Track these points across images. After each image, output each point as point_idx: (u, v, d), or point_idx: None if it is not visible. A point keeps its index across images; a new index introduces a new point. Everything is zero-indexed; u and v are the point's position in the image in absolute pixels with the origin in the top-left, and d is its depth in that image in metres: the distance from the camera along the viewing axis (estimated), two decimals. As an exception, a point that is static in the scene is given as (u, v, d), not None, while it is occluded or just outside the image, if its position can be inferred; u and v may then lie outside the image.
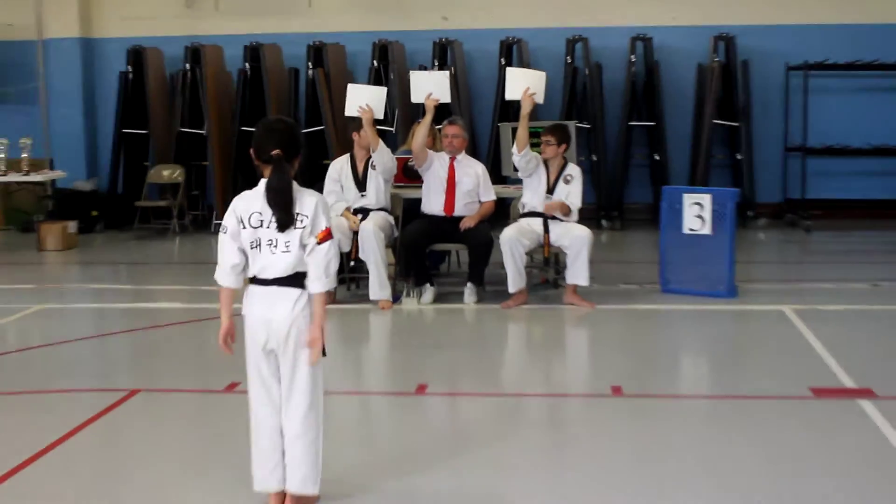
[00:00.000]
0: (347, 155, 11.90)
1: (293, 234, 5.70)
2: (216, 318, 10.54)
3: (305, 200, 5.74)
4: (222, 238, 5.83)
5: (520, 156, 11.33)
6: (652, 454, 6.97)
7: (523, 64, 17.85)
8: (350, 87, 12.00)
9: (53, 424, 7.47)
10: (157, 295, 12.57)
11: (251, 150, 5.85)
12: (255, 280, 5.82)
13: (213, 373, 8.94)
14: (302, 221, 5.70)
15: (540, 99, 11.50)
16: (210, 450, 7.04)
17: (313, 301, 5.81)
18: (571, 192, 11.42)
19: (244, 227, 5.76)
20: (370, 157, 11.64)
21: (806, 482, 6.35)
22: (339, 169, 11.82)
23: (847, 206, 18.72)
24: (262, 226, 5.72)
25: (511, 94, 11.58)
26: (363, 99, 11.63)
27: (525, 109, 11.31)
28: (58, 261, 15.47)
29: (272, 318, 5.76)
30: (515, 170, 11.67)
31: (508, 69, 12.05)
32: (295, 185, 5.76)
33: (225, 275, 5.86)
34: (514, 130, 11.61)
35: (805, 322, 10.48)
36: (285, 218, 5.68)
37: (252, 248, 5.76)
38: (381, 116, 11.86)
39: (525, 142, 11.30)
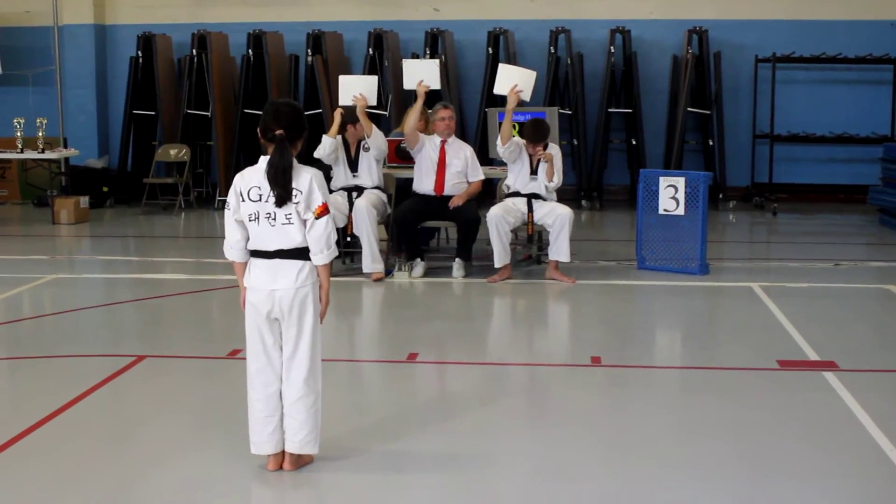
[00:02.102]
0: (339, 137, 11.84)
1: (291, 209, 5.64)
2: (220, 289, 10.62)
3: (301, 176, 5.68)
4: (227, 215, 5.81)
5: (504, 148, 11.31)
6: (628, 420, 6.93)
7: (509, 53, 17.82)
8: (342, 78, 12.03)
9: (63, 388, 7.40)
10: (163, 266, 12.50)
11: (258, 129, 5.80)
12: (256, 253, 5.75)
13: (216, 340, 8.91)
14: (296, 196, 5.65)
15: (526, 97, 11.51)
16: (213, 413, 6.98)
17: (319, 271, 5.82)
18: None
19: (243, 201, 5.71)
20: (361, 140, 11.59)
21: (773, 447, 6.30)
22: (333, 143, 11.76)
23: (811, 191, 18.77)
24: (260, 200, 5.67)
25: (499, 88, 11.60)
26: (356, 88, 11.62)
27: (510, 105, 11.32)
28: (70, 233, 15.40)
29: (276, 288, 5.71)
30: (501, 163, 11.66)
31: (501, 65, 12.04)
32: (294, 162, 5.70)
33: (231, 249, 5.84)
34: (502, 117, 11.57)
35: (772, 298, 10.45)
36: (283, 194, 5.62)
37: (251, 221, 5.71)
38: (374, 103, 11.83)
39: (509, 135, 11.28)
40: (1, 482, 5.79)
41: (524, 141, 11.39)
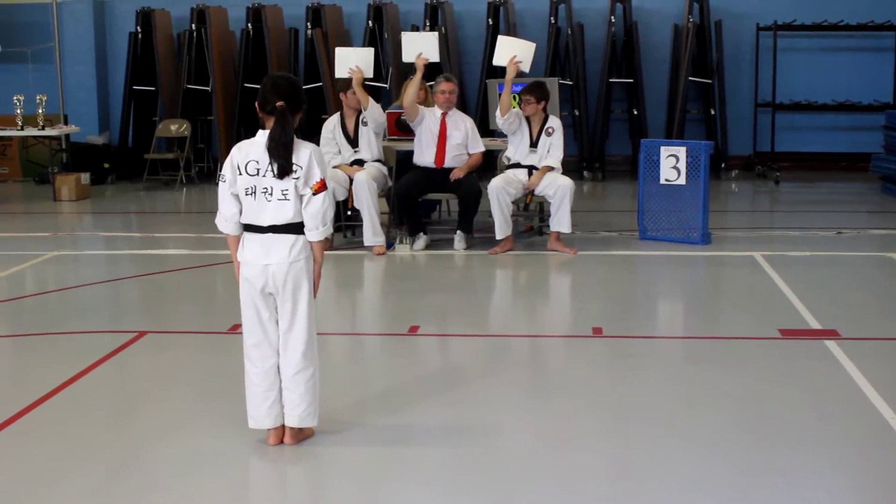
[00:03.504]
0: (338, 114, 11.85)
1: (289, 184, 5.63)
2: (221, 264, 10.62)
3: (301, 152, 5.67)
4: (221, 187, 5.78)
5: (503, 119, 11.31)
6: (630, 390, 6.93)
7: (509, 24, 17.77)
8: (338, 50, 11.96)
9: (66, 364, 7.41)
10: (164, 242, 12.49)
11: (256, 103, 5.79)
12: (249, 227, 5.74)
13: (218, 315, 8.90)
14: (296, 172, 5.64)
15: (526, 68, 11.50)
16: (214, 388, 6.98)
17: (313, 247, 5.80)
18: (553, 143, 11.37)
19: (240, 174, 5.69)
20: (359, 114, 11.59)
21: (775, 416, 6.31)
22: (331, 129, 11.79)
23: (813, 159, 18.74)
24: (258, 174, 5.66)
25: (498, 60, 11.59)
26: (352, 61, 11.59)
27: (509, 76, 11.32)
28: (72, 210, 15.39)
29: (270, 263, 5.71)
30: (502, 135, 11.67)
31: (500, 37, 12.00)
32: (294, 136, 5.69)
33: (225, 221, 5.81)
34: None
35: (774, 267, 10.43)
36: (285, 166, 5.61)
37: (247, 195, 5.69)
38: (370, 75, 11.79)
39: (508, 106, 11.28)
40: (5, 458, 5.81)
41: (523, 109, 11.38)
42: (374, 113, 11.53)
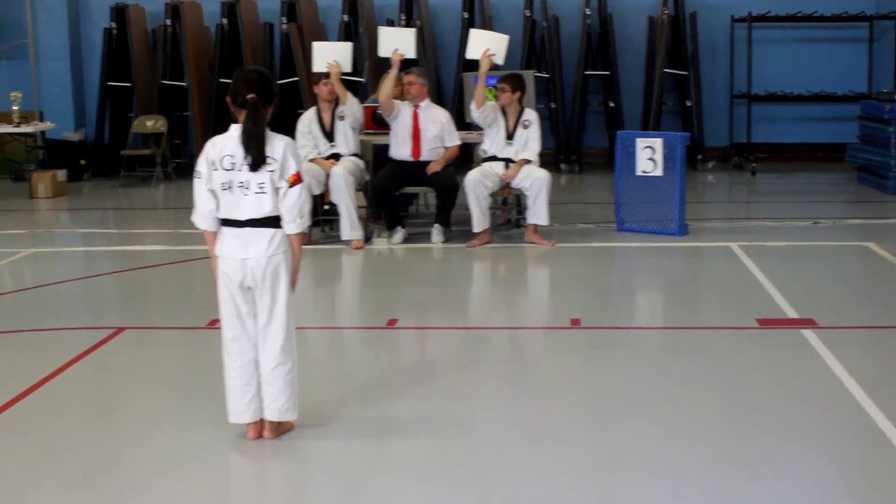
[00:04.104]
0: (314, 108, 11.83)
1: (265, 177, 5.62)
2: (199, 259, 10.59)
3: (275, 144, 5.67)
4: (197, 183, 5.76)
5: (478, 112, 11.32)
6: (608, 381, 6.95)
7: (485, 17, 17.77)
8: (315, 45, 11.95)
9: (44, 361, 7.38)
10: (142, 238, 12.45)
11: (228, 97, 5.79)
12: (227, 222, 5.73)
13: (196, 310, 8.89)
14: (271, 164, 5.63)
15: (500, 60, 11.48)
16: (193, 384, 6.96)
17: (291, 241, 5.79)
18: (530, 136, 11.38)
19: (216, 169, 5.68)
20: (335, 108, 11.58)
21: (753, 405, 6.34)
22: (307, 123, 11.76)
23: (789, 150, 18.82)
24: (234, 168, 5.65)
25: (471, 53, 11.61)
26: (330, 55, 11.57)
27: (483, 68, 11.32)
28: (48, 207, 15.33)
29: (248, 257, 5.70)
30: (479, 128, 11.70)
31: (472, 30, 12.04)
32: (267, 129, 5.69)
33: (202, 218, 5.80)
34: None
35: (751, 257, 10.47)
36: (258, 158, 5.60)
37: (224, 190, 5.68)
38: (348, 70, 11.78)
39: (482, 99, 11.29)
40: (-19, 456, 5.79)
41: (498, 98, 11.40)
42: (351, 107, 11.54)
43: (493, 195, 11.47)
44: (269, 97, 5.78)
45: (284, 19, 17.96)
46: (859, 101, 16.83)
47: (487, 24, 17.22)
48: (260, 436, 5.89)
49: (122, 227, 13.60)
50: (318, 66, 11.65)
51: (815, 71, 18.53)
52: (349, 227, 11.33)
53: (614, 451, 5.70)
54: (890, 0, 17.88)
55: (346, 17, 17.86)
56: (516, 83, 11.44)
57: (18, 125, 16.31)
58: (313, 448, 5.83)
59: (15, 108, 16.24)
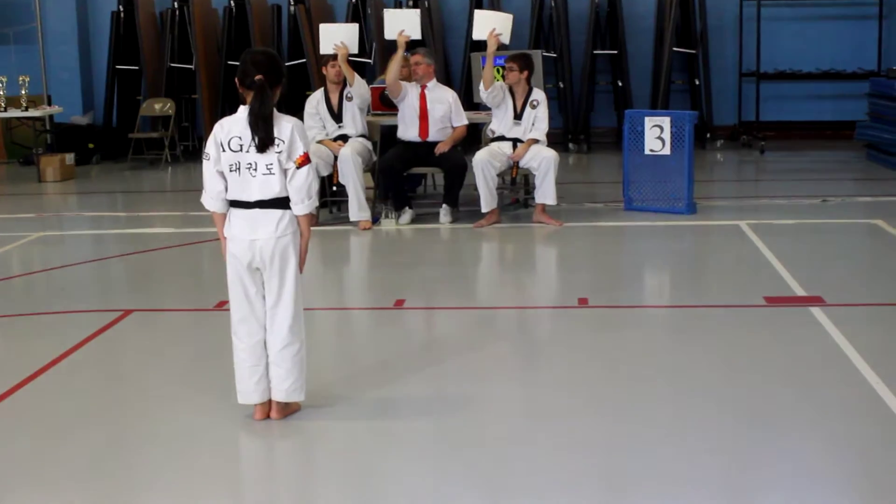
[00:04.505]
0: (321, 90, 11.84)
1: (272, 158, 5.63)
2: (207, 242, 10.60)
3: (283, 125, 5.67)
4: (206, 165, 5.77)
5: (487, 92, 11.30)
6: (617, 360, 6.95)
7: (493, -3, 17.72)
8: (322, 27, 11.95)
9: (53, 344, 7.41)
10: (150, 221, 12.47)
11: (236, 78, 5.79)
12: (235, 203, 5.73)
13: (204, 292, 8.91)
14: (279, 146, 5.63)
15: (506, 39, 11.48)
16: (200, 365, 6.99)
17: (299, 222, 5.80)
18: (537, 116, 11.36)
19: (224, 151, 5.68)
20: (343, 89, 11.57)
21: (762, 383, 6.34)
22: (314, 104, 11.76)
23: (798, 128, 18.76)
24: (241, 150, 5.65)
25: (478, 34, 11.61)
26: (337, 37, 11.57)
27: (490, 48, 11.29)
28: (56, 191, 15.36)
29: (256, 238, 5.70)
30: (486, 108, 11.70)
31: (477, 11, 12.01)
32: (275, 111, 5.69)
33: (211, 200, 5.80)
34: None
35: (759, 236, 10.45)
36: (265, 139, 5.60)
37: (231, 172, 5.68)
38: (355, 51, 11.79)
39: (491, 79, 11.28)
40: (-9, 438, 5.82)
41: (506, 78, 11.40)
42: (359, 89, 11.54)
43: (501, 175, 11.46)
44: (277, 78, 5.78)
45: (292, 1, 17.95)
46: (869, 78, 16.78)
47: (495, 5, 17.20)
48: (268, 416, 5.90)
49: (131, 210, 13.62)
50: (326, 48, 11.65)
51: (824, 48, 18.46)
52: (357, 207, 11.33)
53: (623, 431, 5.70)
54: (900, -23, 17.85)
55: (353, -1, 17.86)
56: (524, 62, 11.42)
57: (27, 109, 16.32)
58: (321, 429, 5.84)
59: (23, 92, 16.24)
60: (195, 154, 17.94)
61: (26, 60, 18.51)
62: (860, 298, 8.21)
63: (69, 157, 16.38)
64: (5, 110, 16.28)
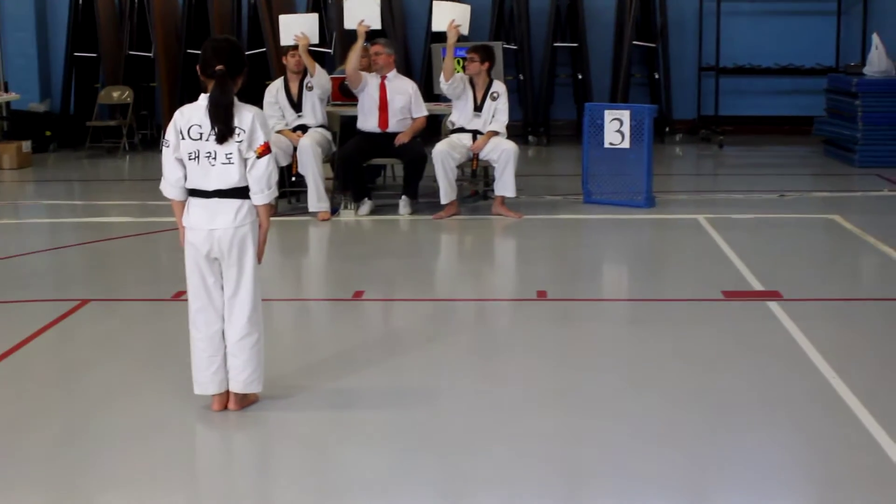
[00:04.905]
0: (281, 79, 11.82)
1: (232, 147, 5.60)
2: (164, 231, 10.55)
3: (244, 115, 5.64)
4: (165, 152, 5.73)
5: (447, 84, 11.30)
6: (574, 352, 6.98)
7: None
8: (282, 18, 11.95)
9: (8, 333, 7.36)
10: (108, 210, 12.39)
11: (198, 66, 5.76)
12: (194, 192, 5.71)
13: (161, 282, 8.86)
14: (239, 135, 5.61)
15: (465, 30, 11.51)
16: (158, 355, 6.95)
17: (258, 212, 5.78)
18: (498, 108, 11.36)
19: (183, 139, 5.65)
20: (303, 78, 11.55)
21: (718, 377, 6.38)
22: (274, 93, 11.74)
23: (757, 123, 18.85)
24: (201, 138, 5.63)
25: (437, 25, 11.67)
26: (297, 28, 11.54)
27: (450, 39, 11.30)
28: (13, 179, 15.22)
29: (214, 228, 5.68)
30: (447, 99, 11.71)
31: (435, 2, 11.99)
32: (235, 100, 5.67)
33: (170, 187, 5.77)
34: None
35: (718, 230, 10.50)
36: (224, 130, 5.58)
37: (190, 160, 5.65)
38: (316, 41, 11.76)
39: (451, 71, 11.27)
40: (-56, 428, 5.77)
41: (466, 68, 11.41)
42: (320, 79, 11.53)
43: (460, 167, 11.46)
44: (239, 67, 5.76)
45: (252, -11, 17.87)
46: (827, 74, 16.87)
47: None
48: (225, 407, 5.88)
49: (88, 198, 13.52)
50: (286, 39, 11.61)
51: (783, 44, 18.53)
52: (316, 198, 11.30)
53: (581, 423, 5.73)
54: (858, -27, 17.95)
55: (313, -12, 17.78)
56: (485, 53, 11.43)
57: (-17, 96, 16.20)
58: (279, 419, 5.83)
59: (-21, 78, 16.12)
60: (153, 143, 17.84)
61: (-18, 47, 18.37)
62: (817, 293, 8.26)
63: (26, 145, 16.24)
64: (-39, 97, 16.14)
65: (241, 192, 5.70)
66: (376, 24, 11.67)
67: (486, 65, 11.37)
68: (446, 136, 11.63)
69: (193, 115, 5.68)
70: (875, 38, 15.16)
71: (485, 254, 10.46)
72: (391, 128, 11.51)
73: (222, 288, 5.80)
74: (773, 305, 7.80)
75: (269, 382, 5.99)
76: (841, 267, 9.37)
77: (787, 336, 7.12)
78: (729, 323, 7.53)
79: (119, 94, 17.68)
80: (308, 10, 16.95)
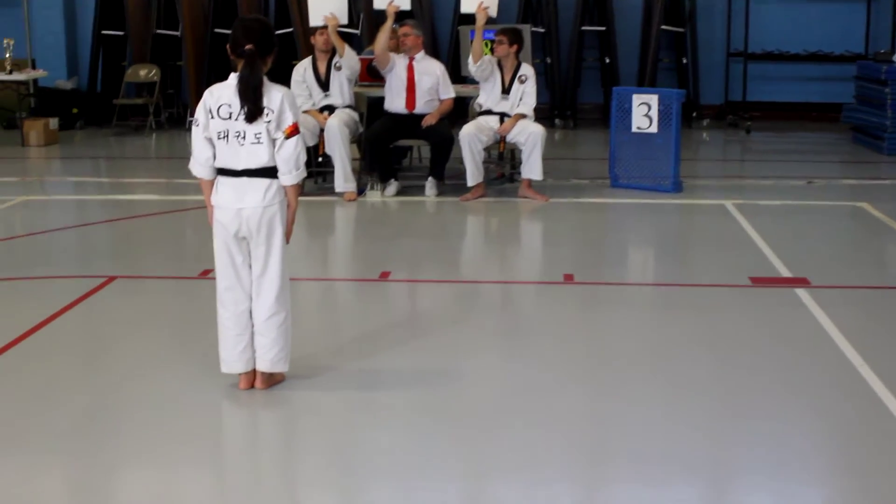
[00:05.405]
0: (309, 58, 11.79)
1: (261, 127, 5.60)
2: (191, 209, 10.57)
3: (273, 94, 5.64)
4: (195, 131, 5.74)
5: (475, 66, 11.27)
6: (601, 336, 6.98)
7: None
8: None
9: (36, 309, 7.38)
10: (134, 187, 12.42)
11: (228, 45, 5.75)
12: (223, 171, 5.71)
13: (188, 260, 8.89)
14: (268, 115, 5.61)
15: (493, 13, 11.51)
16: (184, 333, 6.97)
17: (287, 192, 5.78)
18: (526, 91, 11.33)
19: (212, 118, 5.65)
20: (331, 58, 11.52)
21: (746, 363, 6.36)
22: (301, 72, 11.71)
23: (784, 109, 18.74)
24: (230, 118, 5.62)
25: (466, 7, 11.66)
26: (326, 8, 11.52)
27: (479, 22, 11.28)
28: (40, 156, 15.27)
29: (243, 207, 5.68)
30: (474, 81, 11.70)
31: None
32: (265, 80, 5.66)
33: (199, 166, 5.77)
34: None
35: (745, 216, 10.46)
36: (254, 110, 5.57)
37: (219, 139, 5.65)
38: (345, 22, 11.74)
39: (480, 53, 11.24)
40: (-28, 402, 5.79)
41: (495, 51, 11.38)
42: (349, 60, 11.50)
43: (487, 149, 11.45)
44: (269, 47, 5.75)
45: (280, -31, 17.86)
46: (856, 61, 16.78)
47: (484, -22, 17.11)
48: (252, 386, 5.89)
49: (114, 176, 13.56)
50: (315, 19, 11.59)
51: (812, 30, 18.44)
52: (343, 179, 11.30)
53: (606, 406, 5.73)
54: (890, -40, 17.83)
55: (342, -32, 17.73)
56: (514, 36, 11.40)
57: (11, 73, 16.19)
58: (304, 399, 5.84)
59: (7, 55, 16.12)
60: (180, 121, 17.87)
61: (11, 23, 18.35)
62: (845, 280, 8.22)
63: (53, 122, 16.28)
64: (-11, 73, 16.16)
65: (270, 172, 5.69)
66: (406, 5, 11.65)
67: (515, 47, 11.34)
68: (473, 118, 11.61)
69: (223, 95, 5.68)
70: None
71: (511, 236, 10.45)
72: (418, 109, 11.49)
73: (250, 267, 5.80)
74: (801, 292, 7.77)
75: (295, 362, 6.00)
76: (869, 254, 9.32)
77: (814, 323, 7.09)
78: (756, 309, 7.50)
79: (146, 73, 17.70)
80: (337, -9, 16.93)
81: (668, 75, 18.27)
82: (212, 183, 5.79)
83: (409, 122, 11.49)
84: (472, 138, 11.08)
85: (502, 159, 12.25)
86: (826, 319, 7.11)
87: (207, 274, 8.04)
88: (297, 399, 5.84)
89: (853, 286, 8.08)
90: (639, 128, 11.76)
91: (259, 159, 5.66)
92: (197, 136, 5.72)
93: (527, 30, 12.89)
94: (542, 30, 17.74)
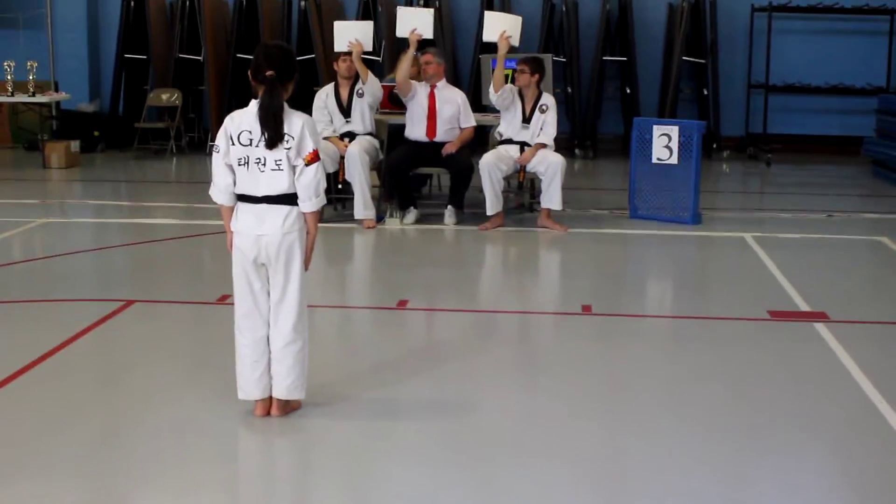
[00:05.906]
0: (332, 84, 11.83)
1: (281, 154, 5.61)
2: (210, 234, 10.60)
3: (293, 121, 5.64)
4: (215, 157, 5.74)
5: (496, 95, 11.29)
6: (618, 368, 6.94)
7: (504, 0, 17.70)
8: (336, 24, 11.94)
9: (53, 332, 7.38)
10: (154, 211, 12.45)
11: (249, 71, 5.77)
12: (243, 197, 5.72)
13: (206, 285, 8.90)
14: (288, 142, 5.61)
15: (515, 42, 11.50)
16: (201, 358, 6.98)
17: (307, 218, 5.78)
18: (546, 121, 11.34)
19: (233, 144, 5.66)
20: (354, 84, 11.55)
21: (763, 398, 6.32)
22: (324, 98, 11.75)
23: (805, 141, 18.76)
24: (251, 144, 5.63)
25: (488, 36, 11.63)
26: (351, 34, 11.56)
27: (501, 51, 11.29)
28: (61, 178, 15.34)
29: (262, 233, 5.68)
30: (495, 110, 11.72)
31: (487, 13, 11.99)
32: (286, 106, 5.67)
33: (219, 192, 5.78)
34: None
35: (764, 249, 10.44)
36: (274, 136, 5.58)
37: (240, 166, 5.66)
38: (370, 48, 11.79)
39: (501, 82, 11.26)
40: (-11, 425, 5.80)
41: (516, 80, 11.39)
42: (372, 87, 11.55)
43: (507, 178, 11.45)
44: (290, 74, 5.76)
45: (303, -4, 17.95)
46: (877, 94, 16.79)
47: (506, 7, 17.18)
48: (268, 413, 5.88)
49: (134, 199, 13.61)
50: (340, 45, 11.63)
51: (833, 63, 18.48)
52: (362, 206, 11.32)
53: (622, 440, 5.69)
54: (912, -6, 17.84)
55: (364, -5, 17.82)
56: (536, 65, 11.42)
57: (33, 95, 16.29)
58: (320, 427, 5.82)
59: (30, 77, 16.21)
60: (201, 146, 17.96)
61: (34, 46, 18.53)
62: (864, 315, 8.18)
63: (74, 145, 16.38)
64: (12, 95, 16.22)
65: (290, 199, 5.70)
66: (429, 34, 11.68)
67: (536, 77, 11.36)
68: (494, 147, 11.62)
69: (244, 121, 5.69)
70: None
71: (529, 266, 10.44)
72: (439, 137, 11.52)
73: (268, 294, 5.81)
74: (820, 327, 7.74)
75: (312, 389, 5.99)
76: (889, 290, 9.27)
77: (833, 358, 7.06)
78: (774, 343, 7.47)
79: (168, 97, 17.80)
80: (358, 17, 17.03)
81: (689, 106, 18.33)
82: (231, 209, 5.80)
83: (430, 150, 11.51)
84: (491, 167, 11.09)
85: (522, 189, 12.26)
86: (844, 355, 7.08)
87: (225, 299, 8.05)
88: (312, 427, 5.83)
89: (872, 321, 8.05)
90: (659, 159, 11.76)
91: (279, 186, 5.66)
92: (217, 162, 5.73)
93: (548, 59, 12.91)
94: (564, 59, 17.81)
